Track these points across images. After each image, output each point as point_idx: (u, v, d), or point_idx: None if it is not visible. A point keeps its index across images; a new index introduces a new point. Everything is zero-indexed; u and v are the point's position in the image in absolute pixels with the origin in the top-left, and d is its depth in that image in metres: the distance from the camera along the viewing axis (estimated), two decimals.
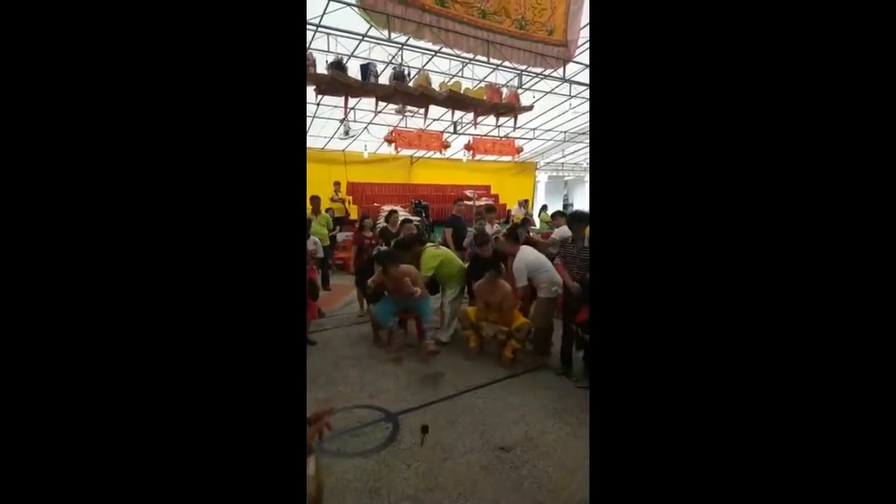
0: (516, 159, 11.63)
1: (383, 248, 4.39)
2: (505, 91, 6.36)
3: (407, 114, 8.23)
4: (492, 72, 6.65)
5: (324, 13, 4.86)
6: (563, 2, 5.91)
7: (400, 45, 5.50)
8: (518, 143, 10.44)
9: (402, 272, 3.57)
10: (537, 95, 7.73)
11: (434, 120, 8.54)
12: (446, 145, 9.45)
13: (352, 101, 6.36)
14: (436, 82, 5.80)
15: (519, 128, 9.50)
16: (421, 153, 10.73)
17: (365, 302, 4.72)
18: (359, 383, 3.21)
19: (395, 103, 6.12)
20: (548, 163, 14.13)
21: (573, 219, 3.38)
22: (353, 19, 4.91)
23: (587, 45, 6.35)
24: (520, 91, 6.65)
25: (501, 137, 10.14)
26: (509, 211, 10.09)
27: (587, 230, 3.30)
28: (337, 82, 4.84)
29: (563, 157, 13.58)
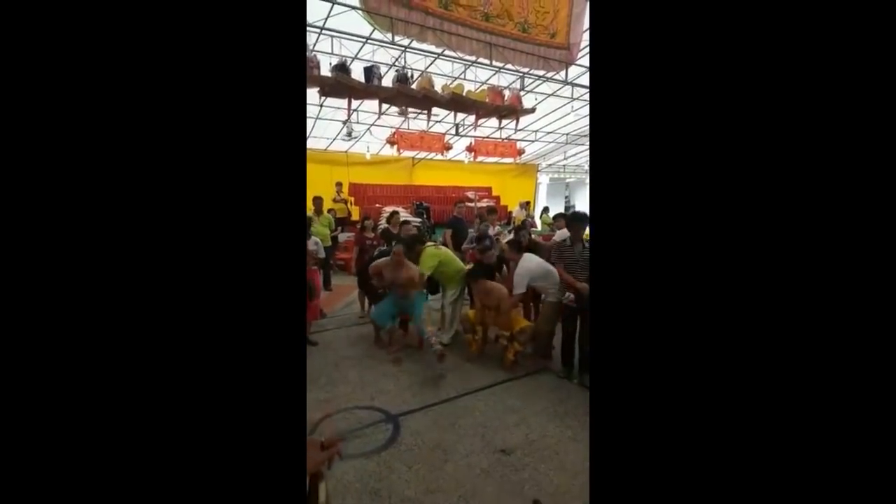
0: (518, 161, 11.63)
1: (385, 248, 4.41)
2: (507, 93, 6.37)
3: (409, 116, 8.25)
4: (494, 74, 6.66)
5: (328, 16, 4.88)
6: (566, 5, 5.93)
7: (403, 48, 5.52)
8: (520, 145, 10.45)
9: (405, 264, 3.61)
10: (539, 98, 7.74)
11: (436, 122, 8.55)
12: (448, 147, 9.46)
13: (355, 103, 6.39)
14: (438, 85, 5.82)
15: (521, 130, 9.51)
16: (423, 155, 10.74)
17: (366, 302, 4.73)
18: (359, 384, 3.21)
19: (398, 105, 6.14)
20: (549, 165, 14.13)
21: (573, 219, 3.38)
22: (356, 22, 4.93)
23: (589, 47, 6.37)
24: (522, 93, 6.66)
25: (503, 139, 10.15)
26: (510, 213, 10.09)
27: (587, 232, 3.30)
28: (340, 84, 4.86)
29: (565, 159, 13.59)
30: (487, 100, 6.01)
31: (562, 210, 10.44)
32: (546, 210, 10.50)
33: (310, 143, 9.30)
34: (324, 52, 5.32)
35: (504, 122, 7.20)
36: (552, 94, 7.95)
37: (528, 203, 10.72)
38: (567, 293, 3.26)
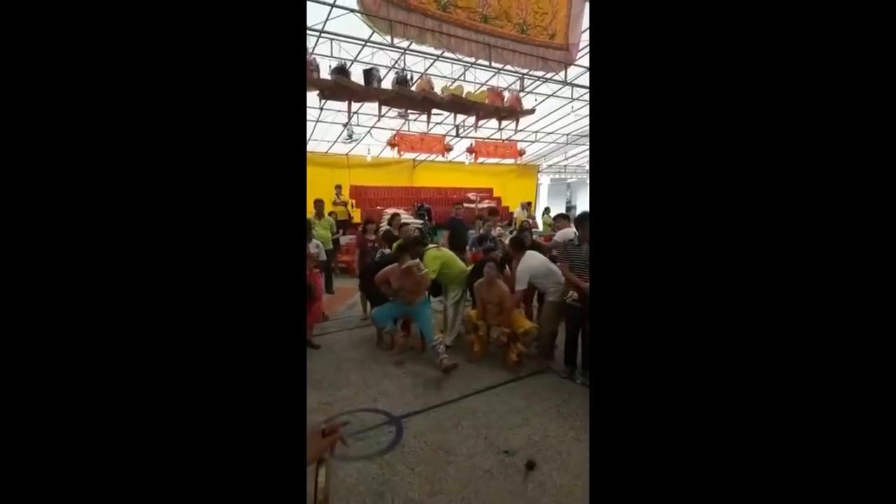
0: (519, 162, 11.64)
1: (387, 251, 4.41)
2: (507, 94, 6.38)
3: (409, 118, 8.26)
4: (493, 75, 6.67)
5: (327, 19, 4.90)
6: (565, 5, 5.93)
7: (402, 50, 5.53)
8: (520, 145, 10.45)
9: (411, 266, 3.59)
10: (539, 98, 7.74)
11: (436, 123, 8.56)
12: (449, 148, 9.47)
13: (355, 106, 6.40)
14: (438, 86, 5.83)
15: (521, 131, 9.51)
16: (423, 156, 10.75)
17: (368, 305, 4.73)
18: (362, 386, 3.21)
19: (398, 107, 6.15)
20: (550, 165, 14.13)
21: (582, 219, 3.38)
22: (356, 25, 4.94)
23: (588, 47, 6.37)
24: (522, 94, 6.67)
25: (504, 140, 10.15)
26: (512, 213, 10.09)
27: None
28: (340, 87, 4.87)
29: (566, 159, 13.59)
30: (487, 101, 6.01)
31: (563, 210, 10.44)
32: (547, 210, 10.50)
33: (311, 146, 9.33)
34: (323, 55, 5.33)
35: (504, 123, 7.21)
36: (552, 95, 7.96)
37: (529, 204, 10.73)
38: (570, 292, 3.26)
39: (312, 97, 5.73)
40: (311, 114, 7.87)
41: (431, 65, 6.32)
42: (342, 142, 9.46)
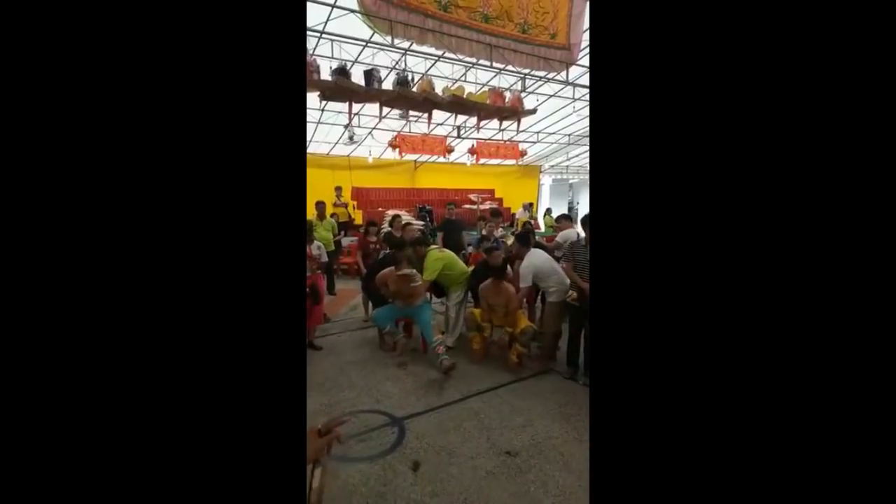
0: (520, 163, 11.63)
1: (388, 252, 4.40)
2: (508, 95, 6.37)
3: (411, 119, 8.27)
4: (495, 76, 6.67)
5: (327, 20, 4.90)
6: (566, 5, 5.92)
7: (403, 51, 5.53)
8: (522, 146, 10.44)
9: (408, 274, 3.59)
10: (541, 99, 7.74)
11: (438, 124, 8.57)
12: (450, 149, 9.47)
13: (356, 107, 6.41)
14: (439, 87, 5.83)
15: (523, 131, 9.51)
16: (425, 157, 10.76)
17: (370, 306, 4.73)
18: (364, 388, 3.21)
19: (399, 108, 6.15)
20: (552, 166, 14.12)
21: (588, 220, 3.38)
22: (356, 26, 4.95)
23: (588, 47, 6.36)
24: (523, 95, 6.66)
25: (505, 141, 10.15)
26: (513, 214, 10.08)
27: None
28: (341, 88, 4.87)
29: (568, 159, 13.57)
30: (488, 101, 6.01)
31: (565, 211, 10.43)
32: (549, 211, 10.49)
33: (312, 148, 9.35)
34: (324, 57, 5.34)
35: (505, 123, 7.20)
36: (554, 95, 7.95)
37: (531, 205, 10.72)
38: (570, 291, 3.25)
39: (313, 98, 5.74)
40: (312, 115, 7.88)
41: (432, 65, 6.32)
42: (343, 143, 9.48)
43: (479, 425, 2.67)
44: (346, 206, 8.58)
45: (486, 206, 8.94)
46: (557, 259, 3.79)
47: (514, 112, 6.30)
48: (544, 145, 11.78)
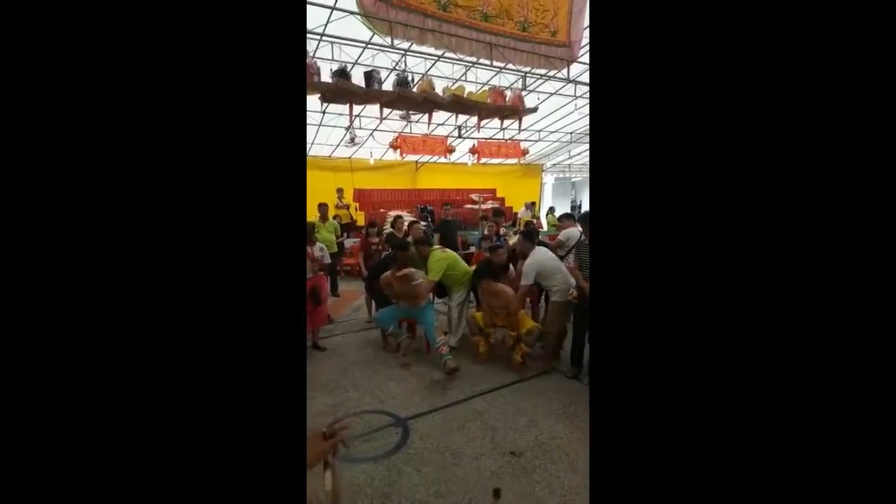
0: (522, 162, 11.61)
1: (390, 253, 4.40)
2: (509, 94, 6.36)
3: (411, 119, 8.27)
4: (495, 75, 6.66)
5: (327, 22, 4.91)
6: (566, 2, 5.90)
7: (403, 52, 5.53)
8: (524, 145, 10.43)
9: (409, 274, 3.58)
10: (542, 97, 7.73)
11: (438, 125, 8.56)
12: (451, 149, 9.46)
13: (357, 109, 6.41)
14: (439, 87, 5.82)
15: (524, 130, 9.48)
16: (426, 158, 10.76)
17: (373, 307, 4.73)
18: (368, 388, 3.21)
19: (400, 109, 6.15)
20: (554, 164, 14.09)
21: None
22: (356, 27, 4.95)
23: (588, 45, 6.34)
24: (524, 93, 6.64)
25: (507, 140, 10.13)
26: (516, 214, 10.07)
27: None
28: (341, 90, 4.88)
29: (570, 158, 13.53)
30: (489, 101, 6.00)
31: (568, 210, 10.40)
32: (552, 210, 10.46)
33: (314, 151, 9.37)
34: (324, 59, 5.35)
35: (506, 122, 7.19)
36: (555, 93, 7.93)
37: (533, 204, 10.70)
38: (571, 290, 3.25)
39: (314, 101, 5.75)
40: (313, 118, 7.89)
41: (433, 66, 6.32)
42: (345, 145, 9.50)
43: (484, 425, 2.66)
44: (347, 207, 8.59)
45: (488, 205, 8.93)
46: (560, 258, 3.77)
47: (515, 111, 6.29)
48: (546, 144, 11.75)
